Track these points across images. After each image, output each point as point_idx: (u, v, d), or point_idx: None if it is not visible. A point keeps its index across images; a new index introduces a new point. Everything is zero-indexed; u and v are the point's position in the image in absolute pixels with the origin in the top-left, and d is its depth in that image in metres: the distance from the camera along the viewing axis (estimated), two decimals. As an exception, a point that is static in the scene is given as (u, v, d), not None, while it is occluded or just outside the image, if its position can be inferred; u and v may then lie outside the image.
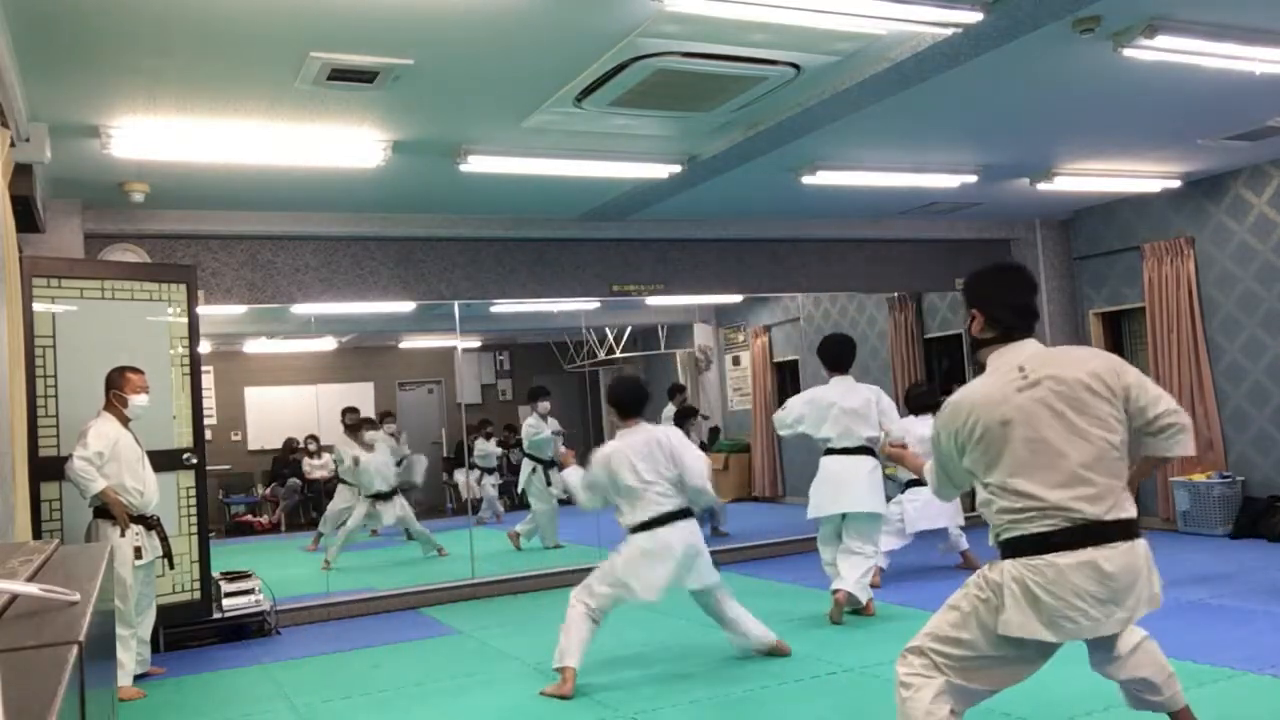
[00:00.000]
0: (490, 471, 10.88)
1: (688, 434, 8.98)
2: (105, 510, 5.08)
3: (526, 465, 9.08)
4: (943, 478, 2.96)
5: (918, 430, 6.22)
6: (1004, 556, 2.73)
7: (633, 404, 4.93)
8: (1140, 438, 2.78)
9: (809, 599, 6.48)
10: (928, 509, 6.65)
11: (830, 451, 5.86)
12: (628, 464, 4.72)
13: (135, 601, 5.15)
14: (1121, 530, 2.67)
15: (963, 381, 6.14)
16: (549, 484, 8.82)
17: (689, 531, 4.77)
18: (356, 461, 8.85)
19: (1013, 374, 2.74)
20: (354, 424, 9.29)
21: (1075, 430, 2.67)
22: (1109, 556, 2.62)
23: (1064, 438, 2.67)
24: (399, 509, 8.83)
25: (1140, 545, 2.69)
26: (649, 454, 4.75)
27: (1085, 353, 2.86)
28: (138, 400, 5.24)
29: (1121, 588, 2.64)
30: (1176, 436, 2.74)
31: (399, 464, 9.53)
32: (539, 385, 9.60)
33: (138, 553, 5.12)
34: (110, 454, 5.06)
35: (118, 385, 5.22)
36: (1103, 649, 2.82)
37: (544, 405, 9.27)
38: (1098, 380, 2.71)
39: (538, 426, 9.13)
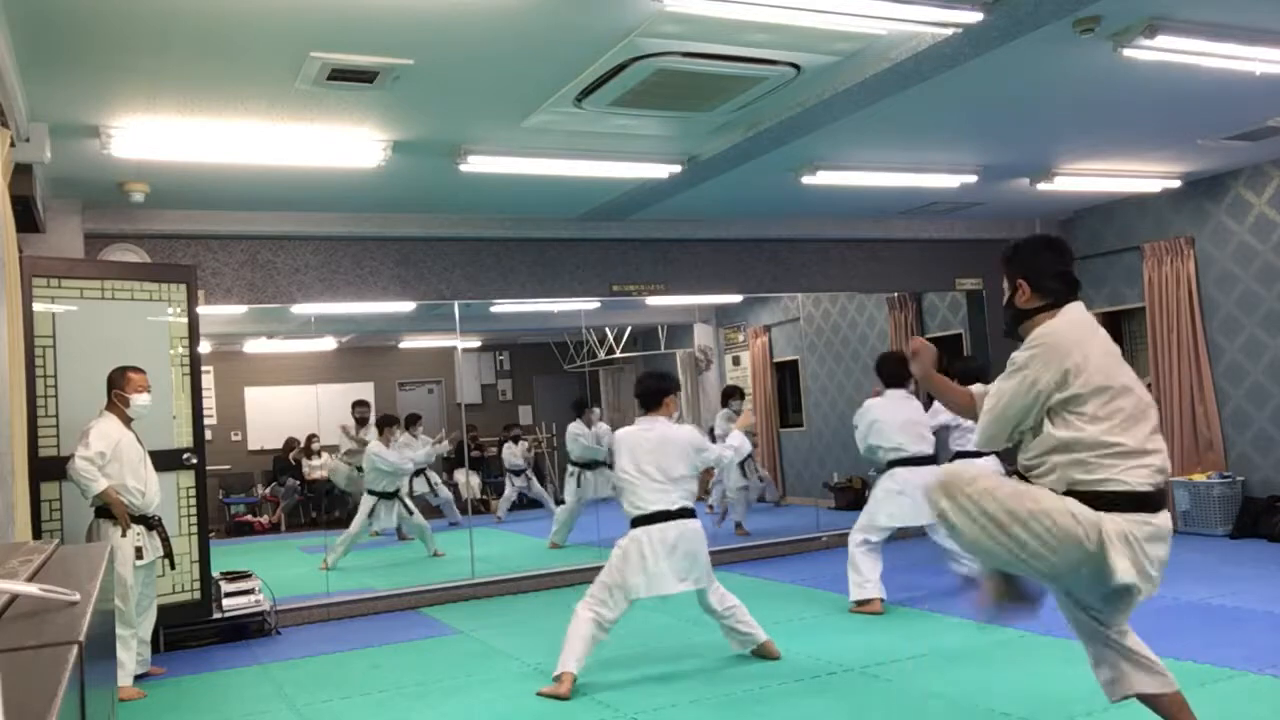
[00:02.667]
0: (518, 474, 10.92)
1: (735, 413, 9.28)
2: (107, 510, 5.08)
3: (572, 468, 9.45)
4: (1004, 421, 2.91)
5: None
6: (1098, 506, 2.74)
7: (645, 399, 4.97)
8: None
9: (809, 599, 6.48)
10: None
11: (900, 463, 6.04)
12: (628, 451, 4.79)
13: (136, 601, 5.15)
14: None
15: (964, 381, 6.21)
16: (579, 485, 9.17)
17: (690, 531, 4.78)
18: (358, 446, 8.89)
19: (1098, 327, 2.90)
20: (363, 418, 9.35)
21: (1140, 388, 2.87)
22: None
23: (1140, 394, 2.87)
24: (399, 510, 8.81)
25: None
26: (658, 448, 4.80)
27: None
28: (140, 400, 5.24)
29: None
30: None
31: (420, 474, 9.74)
32: (583, 397, 10.03)
33: (139, 553, 5.13)
34: (112, 454, 5.06)
35: (119, 385, 5.22)
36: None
37: (594, 415, 9.70)
38: None
39: (581, 433, 9.46)
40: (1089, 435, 2.76)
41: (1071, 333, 2.84)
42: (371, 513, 8.63)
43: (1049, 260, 2.94)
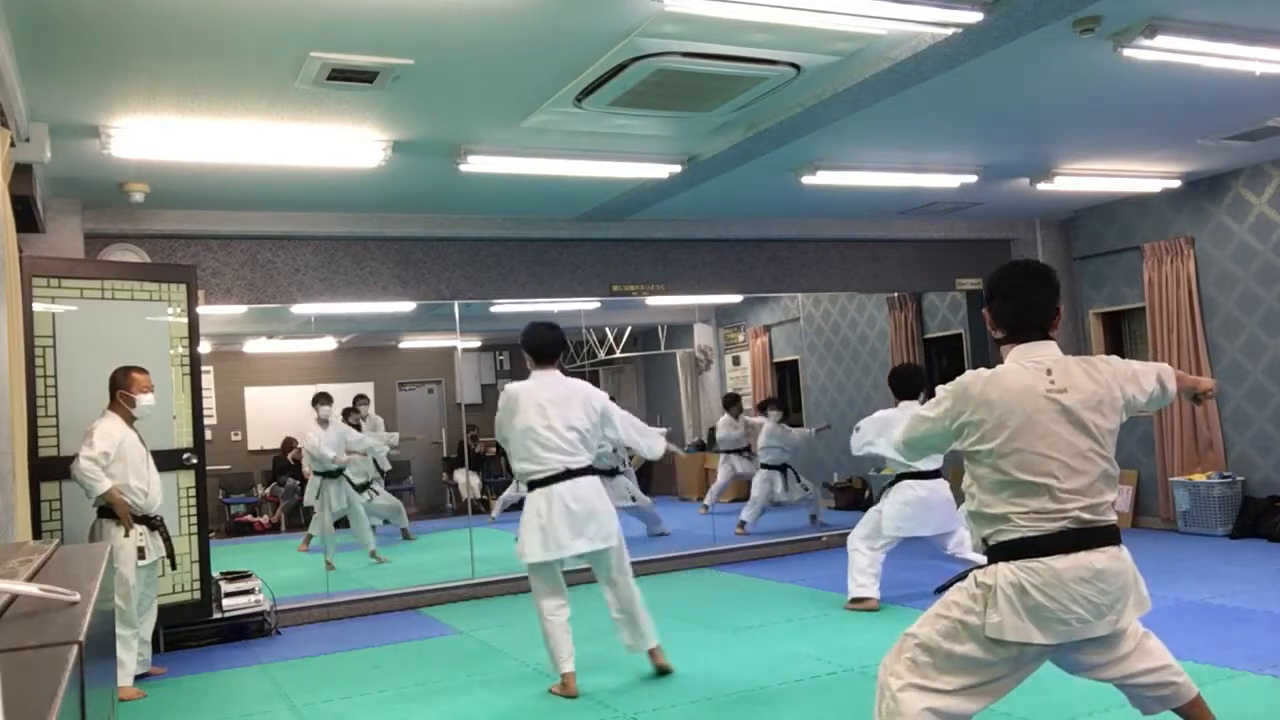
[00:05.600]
0: None
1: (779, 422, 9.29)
2: (109, 510, 5.08)
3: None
4: (912, 446, 3.01)
5: None
6: (997, 559, 2.71)
7: (548, 351, 4.74)
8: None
9: (809, 599, 6.48)
10: None
11: (908, 476, 6.02)
12: (535, 405, 4.59)
13: (137, 601, 5.16)
14: (1112, 535, 2.73)
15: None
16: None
17: (589, 487, 4.61)
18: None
19: (1040, 374, 2.75)
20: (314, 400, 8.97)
21: (1083, 439, 2.70)
22: (1101, 559, 2.66)
23: (1077, 445, 2.69)
24: (348, 495, 8.67)
25: (1125, 550, 2.74)
26: (563, 400, 4.62)
27: (1099, 363, 2.85)
28: (145, 400, 5.24)
29: (1113, 589, 2.67)
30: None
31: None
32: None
33: (141, 553, 5.13)
34: (116, 454, 5.06)
35: (124, 385, 5.21)
36: (1105, 650, 2.80)
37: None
38: (1109, 394, 2.77)
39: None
40: (980, 491, 2.76)
41: (984, 387, 2.75)
42: (319, 495, 8.54)
43: (1005, 290, 2.87)
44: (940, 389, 2.89)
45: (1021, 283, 2.88)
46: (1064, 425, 2.69)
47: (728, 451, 9.99)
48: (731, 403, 10.16)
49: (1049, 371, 2.75)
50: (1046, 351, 2.81)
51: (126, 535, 5.07)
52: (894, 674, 2.77)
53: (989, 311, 2.91)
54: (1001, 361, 2.88)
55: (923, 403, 6.10)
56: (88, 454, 4.98)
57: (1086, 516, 2.67)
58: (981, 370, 2.83)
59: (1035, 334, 2.83)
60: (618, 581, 4.73)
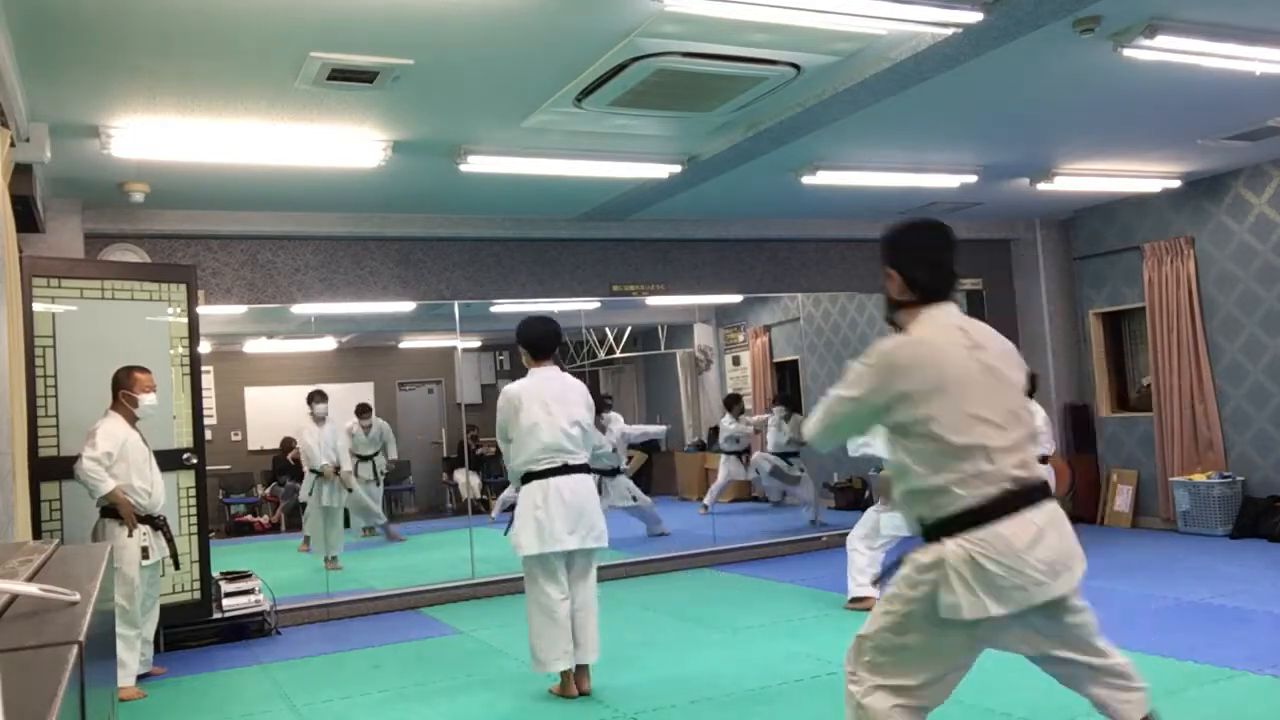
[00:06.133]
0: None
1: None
2: (112, 510, 5.08)
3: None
4: (832, 432, 2.84)
5: None
6: (939, 536, 2.58)
7: (544, 345, 4.71)
8: None
9: (809, 599, 6.48)
10: None
11: None
12: (539, 403, 4.56)
13: (140, 601, 5.15)
14: (1045, 491, 2.65)
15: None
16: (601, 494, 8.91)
17: (585, 484, 4.61)
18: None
19: (957, 333, 2.67)
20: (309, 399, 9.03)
21: (1009, 396, 2.65)
22: (1040, 516, 2.57)
23: (1004, 402, 2.63)
24: (342, 492, 8.68)
25: (1057, 506, 2.66)
26: (563, 397, 4.62)
27: (992, 330, 2.80)
28: (147, 400, 5.24)
29: (1060, 546, 2.58)
30: None
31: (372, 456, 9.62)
32: (600, 397, 9.67)
33: (145, 553, 5.13)
34: (119, 454, 5.06)
35: (127, 385, 5.21)
36: (1090, 652, 2.78)
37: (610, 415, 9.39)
38: (1010, 349, 2.76)
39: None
40: (914, 464, 2.63)
41: (911, 355, 2.63)
42: (312, 493, 8.58)
43: (920, 250, 2.75)
44: (857, 364, 2.72)
45: (934, 245, 2.79)
46: (989, 383, 2.62)
47: (728, 452, 10.00)
48: (733, 403, 10.17)
49: (963, 330, 2.68)
50: (953, 312, 2.74)
51: (130, 535, 5.07)
52: (856, 679, 2.71)
53: (900, 275, 2.74)
54: (898, 326, 2.76)
55: None
56: (91, 454, 4.98)
57: (1021, 474, 2.58)
58: (899, 338, 2.70)
59: (945, 296, 2.75)
60: (582, 586, 4.66)
